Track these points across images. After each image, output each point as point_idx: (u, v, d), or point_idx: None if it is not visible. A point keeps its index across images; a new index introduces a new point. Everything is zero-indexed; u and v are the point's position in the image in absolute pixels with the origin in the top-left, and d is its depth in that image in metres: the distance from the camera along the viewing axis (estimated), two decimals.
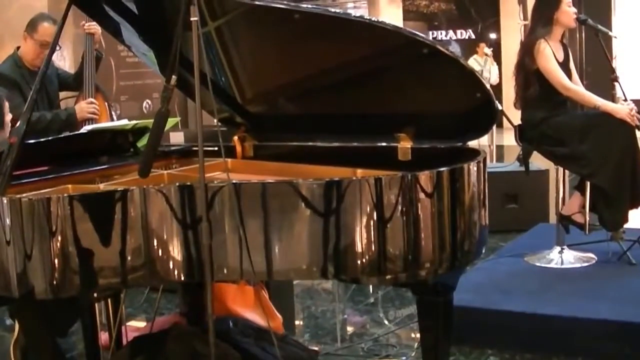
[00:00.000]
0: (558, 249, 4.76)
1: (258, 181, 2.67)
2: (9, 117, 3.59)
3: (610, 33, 4.77)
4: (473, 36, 15.66)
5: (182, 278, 2.63)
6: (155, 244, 2.61)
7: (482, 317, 3.96)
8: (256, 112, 3.53)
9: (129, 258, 2.60)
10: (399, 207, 2.58)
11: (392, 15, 11.13)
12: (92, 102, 4.57)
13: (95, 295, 3.09)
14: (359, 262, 2.58)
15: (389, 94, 3.08)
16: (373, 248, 2.57)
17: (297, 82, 3.23)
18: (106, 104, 4.76)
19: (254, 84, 3.43)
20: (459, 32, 15.93)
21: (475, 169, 2.79)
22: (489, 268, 4.75)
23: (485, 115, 2.94)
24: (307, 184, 2.58)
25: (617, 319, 3.71)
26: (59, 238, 2.55)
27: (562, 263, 4.68)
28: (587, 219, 4.62)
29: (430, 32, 16.35)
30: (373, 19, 2.75)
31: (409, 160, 3.09)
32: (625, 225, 4.62)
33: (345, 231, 2.57)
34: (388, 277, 2.63)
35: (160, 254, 2.61)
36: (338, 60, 3.01)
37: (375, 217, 2.56)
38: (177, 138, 4.80)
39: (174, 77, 2.63)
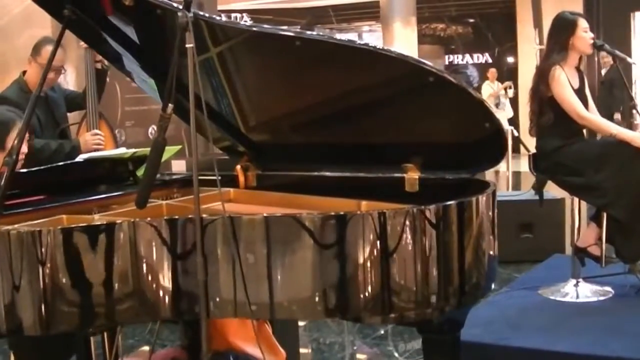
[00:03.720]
0: (573, 281, 4.63)
1: (255, 214, 2.57)
2: (12, 140, 3.48)
3: (628, 59, 4.64)
4: (490, 60, 15.61)
5: (173, 314, 2.54)
6: (144, 278, 2.51)
7: (492, 353, 3.83)
8: (259, 141, 3.44)
9: (117, 294, 2.50)
10: (404, 243, 2.48)
11: (406, 39, 11.05)
12: (96, 134, 4.47)
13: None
14: (361, 300, 2.47)
15: (396, 123, 2.99)
16: (376, 285, 2.46)
17: (301, 110, 3.14)
18: (110, 131, 4.68)
19: (256, 112, 3.34)
20: (475, 56, 15.87)
21: (484, 202, 2.67)
22: (501, 302, 4.62)
23: (494, 146, 2.83)
24: (308, 218, 2.48)
25: (632, 356, 3.57)
26: (47, 272, 2.46)
27: (577, 297, 4.54)
28: (603, 251, 4.48)
29: (447, 56, 16.33)
30: (378, 46, 2.65)
31: (416, 192, 2.98)
32: None
33: (348, 268, 2.46)
34: (392, 315, 2.52)
35: (149, 289, 2.51)
36: (343, 88, 2.92)
37: (379, 253, 2.46)
38: (179, 166, 4.72)
39: (170, 105, 2.55)
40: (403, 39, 11.04)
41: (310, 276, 2.48)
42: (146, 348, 4.51)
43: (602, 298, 4.51)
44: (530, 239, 6.33)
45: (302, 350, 4.61)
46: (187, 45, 2.38)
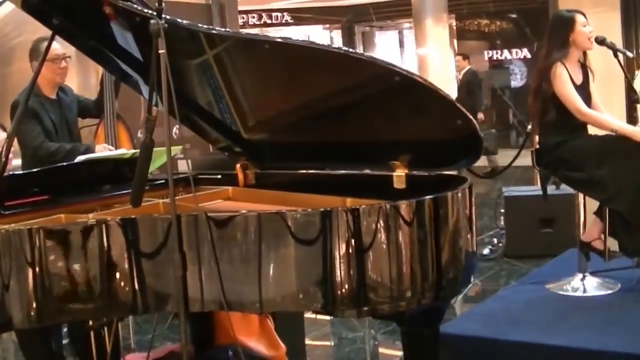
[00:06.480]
0: (580, 276, 4.63)
1: (230, 212, 2.67)
2: None
3: (628, 53, 4.63)
4: (529, 55, 15.48)
5: (141, 310, 2.66)
6: (117, 275, 2.63)
7: (490, 347, 3.87)
8: (256, 141, 3.53)
9: (92, 290, 2.62)
10: (378, 238, 2.55)
11: (437, 35, 11.06)
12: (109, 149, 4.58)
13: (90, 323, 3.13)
14: (336, 294, 2.55)
15: (380, 123, 3.05)
16: (351, 279, 2.54)
17: (292, 111, 3.21)
18: (127, 132, 4.80)
19: (251, 113, 3.42)
20: (514, 51, 15.77)
21: (460, 197, 2.73)
22: (507, 296, 4.65)
23: (472, 142, 2.89)
24: (286, 215, 2.57)
25: (627, 351, 3.57)
26: (32, 269, 2.60)
27: (584, 291, 4.54)
28: (606, 245, 4.48)
29: (486, 52, 16.24)
30: (349, 50, 2.73)
31: (407, 189, 3.05)
32: None
33: (323, 262, 2.54)
34: (366, 308, 2.59)
35: (120, 286, 2.63)
36: (325, 89, 2.98)
37: (353, 248, 2.54)
38: (184, 166, 4.84)
39: (155, 108, 2.66)
40: (435, 36, 11.06)
41: (289, 270, 2.58)
42: (169, 344, 4.62)
43: (608, 292, 4.50)
44: (550, 234, 6.33)
45: (323, 344, 4.72)
46: (160, 51, 2.48)
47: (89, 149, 4.47)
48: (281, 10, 18.43)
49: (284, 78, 3.04)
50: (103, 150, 4.45)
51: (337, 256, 2.53)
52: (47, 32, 3.22)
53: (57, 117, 4.45)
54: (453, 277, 2.71)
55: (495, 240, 6.92)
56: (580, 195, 4.64)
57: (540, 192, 6.55)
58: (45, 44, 4.38)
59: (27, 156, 4.35)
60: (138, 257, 2.62)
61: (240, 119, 3.41)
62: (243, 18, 16.29)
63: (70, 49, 3.94)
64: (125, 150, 3.64)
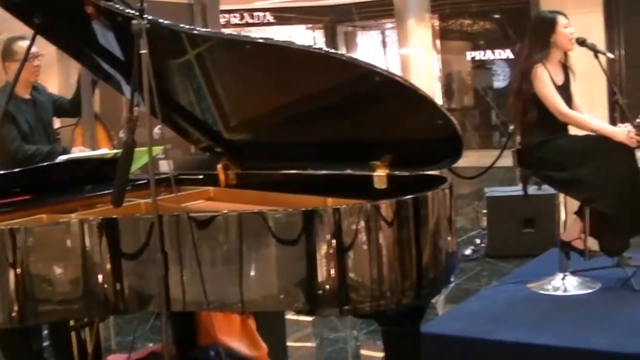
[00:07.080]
0: (561, 275, 4.66)
1: (210, 212, 2.68)
2: None
3: (608, 54, 4.67)
4: (512, 56, 15.53)
5: (122, 310, 2.67)
6: (99, 275, 2.64)
7: (472, 347, 3.89)
8: (238, 141, 3.54)
9: (73, 290, 2.62)
10: (359, 237, 2.57)
11: (420, 35, 11.08)
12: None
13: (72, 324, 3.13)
14: (318, 293, 2.56)
15: (361, 123, 3.06)
16: (332, 278, 2.55)
17: (272, 111, 3.23)
18: (106, 132, 4.79)
19: (232, 113, 3.43)
20: (497, 51, 15.82)
21: (440, 197, 2.75)
22: (489, 296, 4.69)
23: (453, 142, 2.90)
24: (266, 215, 2.58)
25: (607, 349, 3.61)
26: (13, 270, 2.60)
27: (565, 290, 4.57)
28: (587, 245, 4.52)
29: (469, 52, 16.29)
30: (330, 50, 2.75)
31: (387, 188, 3.06)
32: (633, 251, 4.51)
33: (303, 262, 2.56)
34: (347, 308, 2.60)
35: (102, 286, 2.64)
36: (306, 90, 3.01)
37: (334, 247, 2.55)
38: (165, 166, 4.84)
39: (136, 108, 2.67)
40: (418, 36, 11.08)
41: (270, 270, 2.59)
42: (150, 345, 4.61)
43: (589, 291, 4.53)
44: (531, 234, 6.39)
45: (305, 345, 4.73)
46: (141, 52, 2.49)
47: (66, 152, 4.47)
48: (263, 10, 18.37)
49: (265, 78, 3.05)
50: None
51: (318, 256, 2.55)
52: (28, 31, 3.20)
53: (32, 117, 4.44)
54: (433, 277, 2.72)
55: (478, 241, 6.95)
56: (561, 196, 4.68)
57: (522, 193, 6.68)
58: (18, 43, 4.43)
59: (4, 158, 4.33)
60: (120, 257, 2.63)
61: (221, 119, 3.42)
62: (225, 18, 16.25)
63: (50, 49, 3.97)
64: (107, 150, 3.64)
